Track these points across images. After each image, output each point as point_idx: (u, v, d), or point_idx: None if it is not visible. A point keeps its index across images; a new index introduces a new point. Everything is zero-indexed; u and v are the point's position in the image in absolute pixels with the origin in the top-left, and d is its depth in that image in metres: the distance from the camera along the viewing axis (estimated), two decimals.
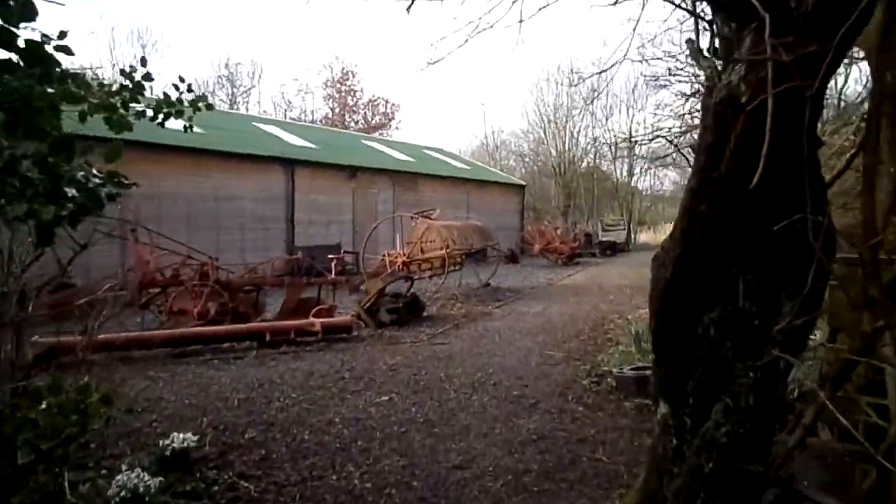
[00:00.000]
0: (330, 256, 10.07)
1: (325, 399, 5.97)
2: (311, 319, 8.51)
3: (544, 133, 40.29)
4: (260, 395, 6.03)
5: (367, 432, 5.11)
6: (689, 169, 2.68)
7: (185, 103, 4.47)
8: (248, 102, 41.61)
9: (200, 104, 4.55)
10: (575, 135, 39.36)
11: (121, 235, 9.58)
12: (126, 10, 52.37)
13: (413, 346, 8.43)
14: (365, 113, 43.40)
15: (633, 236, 36.43)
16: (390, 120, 44.38)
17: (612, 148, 39.57)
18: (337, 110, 42.90)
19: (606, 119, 41.62)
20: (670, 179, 45.05)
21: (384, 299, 9.88)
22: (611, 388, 6.26)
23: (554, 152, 39.81)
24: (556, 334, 9.29)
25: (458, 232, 13.51)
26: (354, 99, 42.95)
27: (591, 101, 34.76)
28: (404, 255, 12.79)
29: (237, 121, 22.24)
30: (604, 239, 30.12)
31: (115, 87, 4.03)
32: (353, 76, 42.31)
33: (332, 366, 7.24)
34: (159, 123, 4.51)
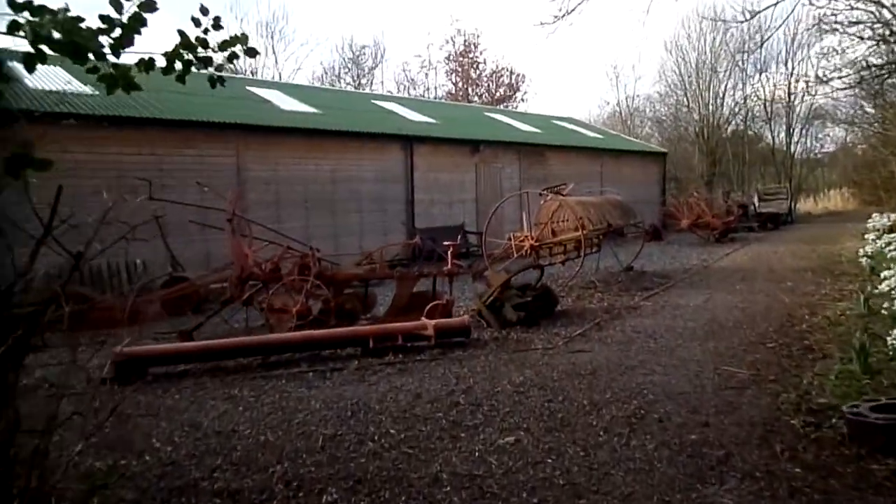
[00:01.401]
0: (446, 244, 8.64)
1: (431, 438, 4.55)
2: (423, 321, 7.16)
3: (685, 95, 36.42)
4: (351, 431, 4.73)
5: (485, 502, 3.62)
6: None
7: (213, 47, 3.16)
8: (371, 84, 41.45)
9: (237, 48, 3.21)
10: (721, 94, 35.20)
11: (220, 227, 8.78)
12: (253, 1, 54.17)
13: (545, 354, 6.82)
14: (489, 85, 41.71)
15: (794, 206, 31.98)
16: (515, 91, 42.36)
17: (767, 106, 35.05)
18: (460, 85, 41.59)
19: (760, 73, 36.95)
20: (833, 139, 39.34)
21: (509, 293, 8.32)
22: (841, 436, 4.28)
23: (696, 116, 35.91)
24: (730, 339, 7.26)
25: (594, 209, 11.60)
26: (477, 71, 41.38)
27: (746, 53, 30.64)
28: (532, 237, 11.12)
29: (355, 99, 21.52)
30: (763, 210, 26.42)
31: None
32: (476, 48, 40.70)
33: (444, 384, 5.82)
34: (178, 78, 3.24)
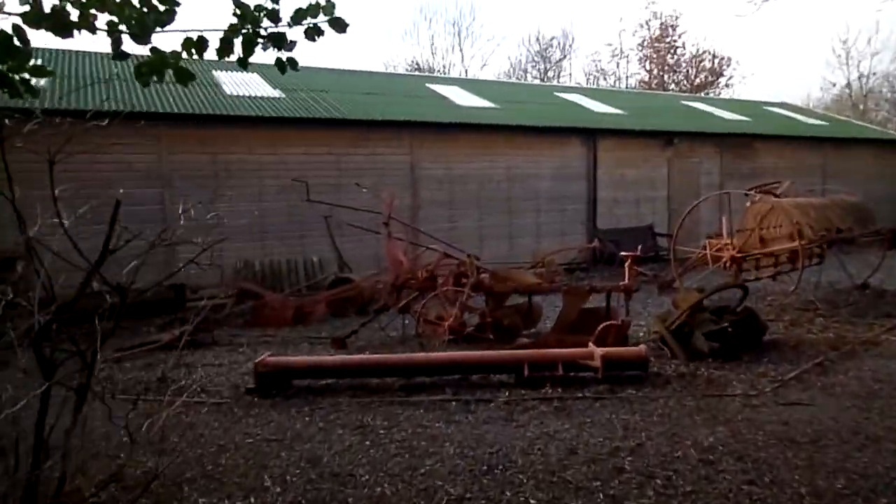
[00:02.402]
0: (623, 254, 7.36)
1: None
2: (590, 348, 6.02)
3: None
4: (483, 495, 3.83)
5: None
6: None
7: (285, 21, 2.42)
8: (558, 77, 40.11)
9: (320, 18, 2.44)
10: None
11: (375, 230, 8.37)
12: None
13: (747, 404, 5.33)
14: (687, 71, 38.16)
15: None
16: (718, 77, 38.26)
17: None
18: (655, 72, 38.59)
19: None
20: None
21: (702, 317, 6.83)
22: None
23: None
24: None
25: (816, 212, 9.43)
26: (675, 57, 38.03)
27: None
28: (734, 246, 9.29)
29: (537, 92, 20.53)
30: None
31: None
32: (674, 31, 37.39)
33: (608, 435, 4.67)
34: (240, 62, 2.55)
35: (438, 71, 37.86)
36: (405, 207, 13.44)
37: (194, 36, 2.30)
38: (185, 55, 2.41)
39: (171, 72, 2.47)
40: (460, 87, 17.87)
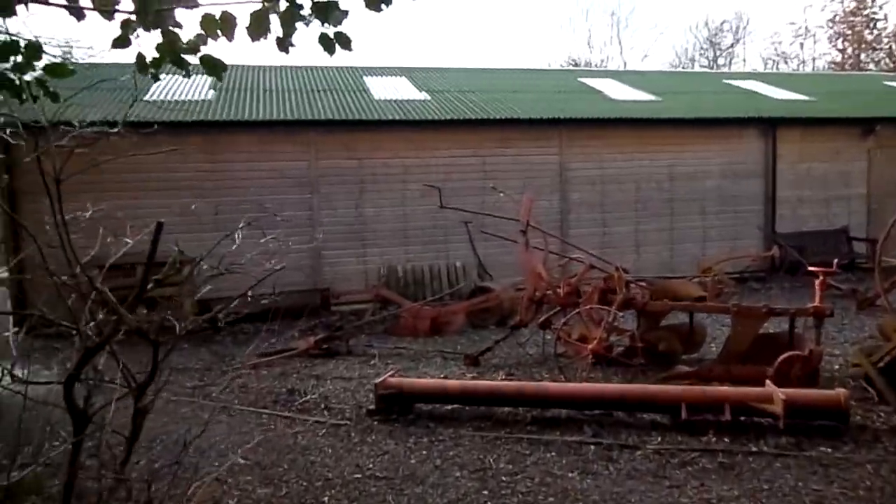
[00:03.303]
0: (814, 269, 5.97)
1: None
2: (767, 388, 4.86)
3: None
4: None
5: None
6: None
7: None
8: (730, 64, 36.62)
9: None
10: None
11: (512, 238, 7.65)
12: None
13: None
14: (891, 47, 32.93)
15: None
16: None
17: None
18: (849, 52, 33.78)
19: None
20: None
21: None
22: None
23: None
24: None
25: None
26: (874, 31, 32.99)
27: None
28: None
29: (703, 81, 18.57)
30: None
31: None
32: (873, 2, 32.43)
33: None
34: (279, 43, 2.00)
35: (595, 65, 36.21)
36: (553, 211, 12.61)
37: (217, 12, 1.80)
38: (208, 39, 1.92)
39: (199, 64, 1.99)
40: (616, 79, 16.59)
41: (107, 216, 11.87)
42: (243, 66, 15.23)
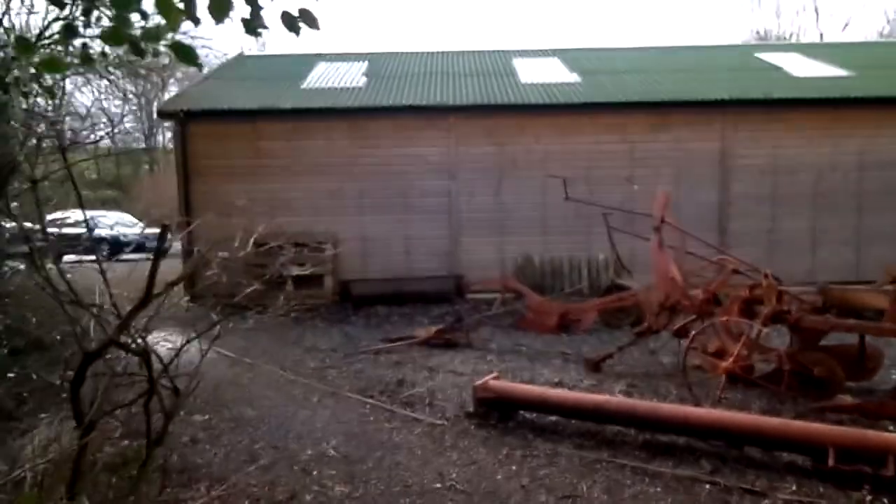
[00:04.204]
0: None
1: None
2: None
3: None
4: None
5: None
6: None
7: None
8: None
9: None
10: None
11: (646, 236, 6.86)
12: None
13: None
14: None
15: None
16: None
17: None
18: None
19: None
20: None
21: None
22: None
23: None
24: None
25: None
26: None
27: None
28: None
29: None
30: None
31: None
32: None
33: None
34: (246, 25, 1.71)
35: (785, 39, 32.38)
36: (710, 205, 11.38)
37: None
38: (163, 21, 1.69)
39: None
40: (802, 53, 14.54)
41: (262, 196, 12.55)
42: (396, 52, 15.52)
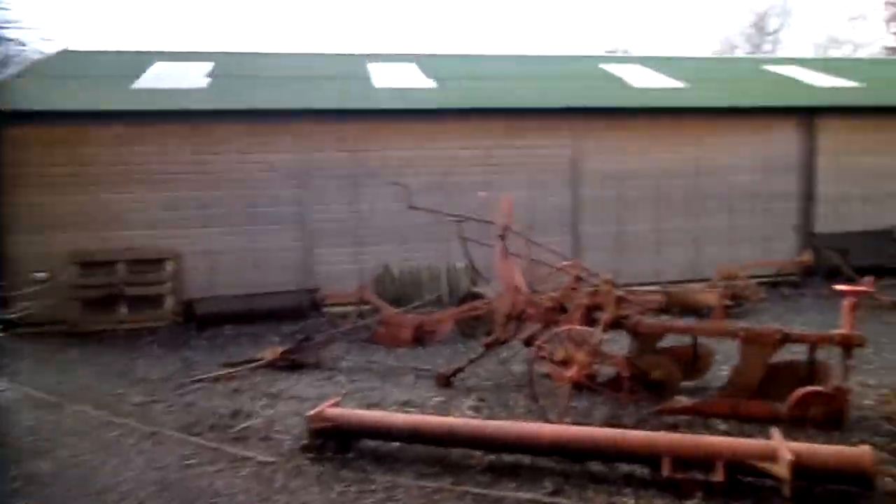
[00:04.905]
0: (842, 289, 4.96)
1: None
2: (773, 440, 3.91)
3: None
4: None
5: None
6: None
7: None
8: (774, 52, 34.60)
9: None
10: None
11: (489, 243, 6.74)
12: None
13: None
14: None
15: None
16: None
17: None
18: None
19: None
20: None
21: None
22: None
23: None
24: None
25: None
26: None
27: None
28: None
29: (738, 67, 17.22)
30: None
31: None
32: None
33: None
34: None
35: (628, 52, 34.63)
36: (563, 208, 11.66)
37: None
38: None
39: None
40: (642, 65, 15.42)
41: (88, 209, 11.07)
42: (242, 53, 14.64)
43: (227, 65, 13.24)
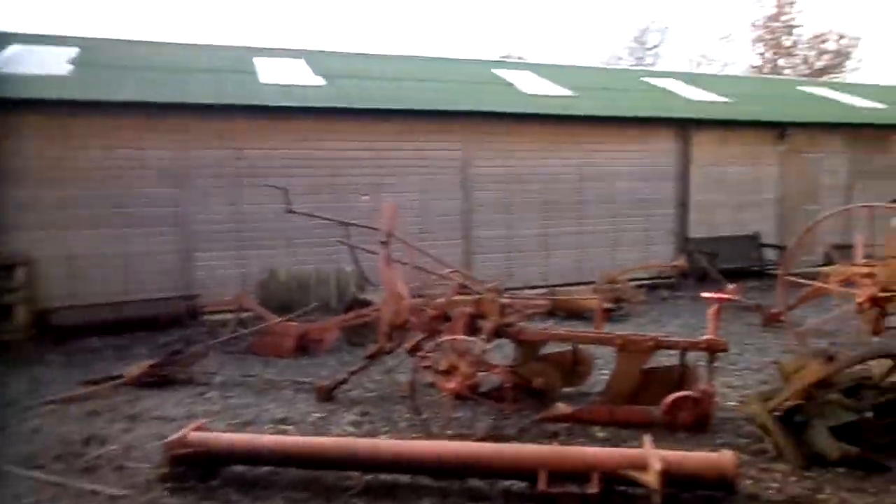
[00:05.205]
0: (708, 296, 5.17)
1: None
2: (642, 452, 3.96)
3: None
4: None
5: None
6: None
7: None
8: (654, 65, 36.73)
9: None
10: None
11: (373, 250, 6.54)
12: None
13: None
14: (806, 55, 33.76)
15: None
16: (844, 60, 33.63)
17: None
18: (768, 56, 34.43)
19: None
20: None
21: (827, 397, 4.57)
22: None
23: None
24: None
25: None
26: (791, 38, 33.73)
27: None
28: (874, 281, 6.69)
29: (621, 78, 18.01)
30: None
31: None
32: (791, 7, 33.13)
33: None
34: None
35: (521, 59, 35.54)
36: (455, 212, 11.64)
37: None
38: None
39: None
40: (533, 72, 15.76)
41: None
42: (113, 39, 13.53)
43: (93, 51, 12.16)
